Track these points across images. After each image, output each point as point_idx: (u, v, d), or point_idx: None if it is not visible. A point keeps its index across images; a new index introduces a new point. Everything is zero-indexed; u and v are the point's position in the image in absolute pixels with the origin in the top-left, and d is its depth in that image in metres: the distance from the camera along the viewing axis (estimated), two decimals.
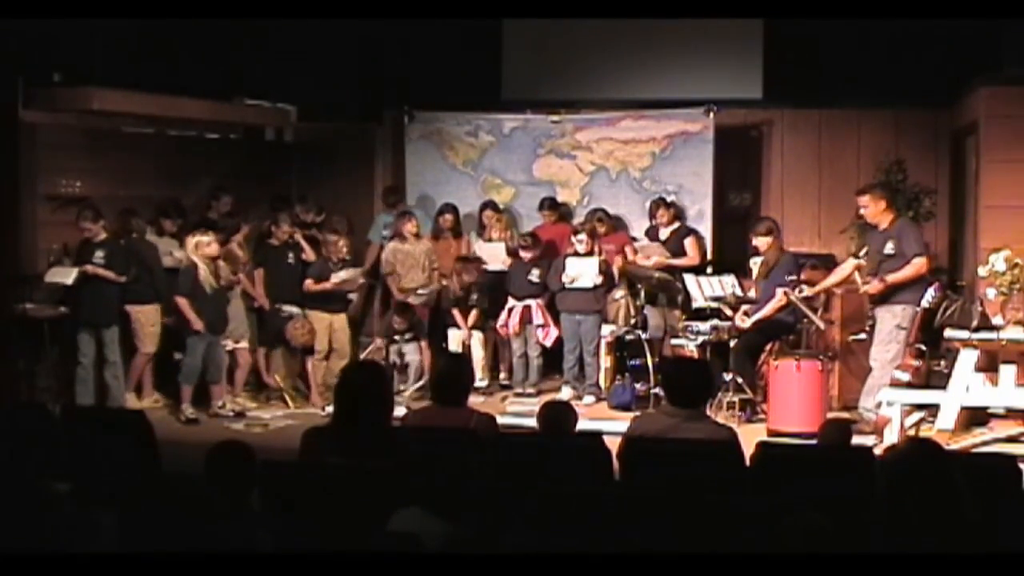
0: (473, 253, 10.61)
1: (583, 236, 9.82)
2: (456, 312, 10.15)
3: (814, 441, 6.58)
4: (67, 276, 8.93)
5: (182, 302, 8.92)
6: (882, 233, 8.52)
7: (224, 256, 9.24)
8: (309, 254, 10.10)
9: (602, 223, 10.39)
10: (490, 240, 10.61)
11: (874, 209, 8.54)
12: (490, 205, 10.89)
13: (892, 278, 8.32)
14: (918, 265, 8.28)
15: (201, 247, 8.96)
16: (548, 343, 10.06)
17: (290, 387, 9.82)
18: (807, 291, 8.74)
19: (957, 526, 3.51)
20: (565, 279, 9.74)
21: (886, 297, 8.37)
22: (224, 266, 9.16)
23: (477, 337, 10.18)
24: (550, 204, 10.88)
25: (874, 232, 8.67)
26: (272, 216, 10.28)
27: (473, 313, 10.15)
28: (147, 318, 9.21)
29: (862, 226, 9.80)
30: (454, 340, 10.17)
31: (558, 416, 5.82)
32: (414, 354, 9.89)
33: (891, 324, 8.29)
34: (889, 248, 8.42)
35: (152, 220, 9.88)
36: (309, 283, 9.73)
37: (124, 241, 9.23)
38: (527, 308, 10.03)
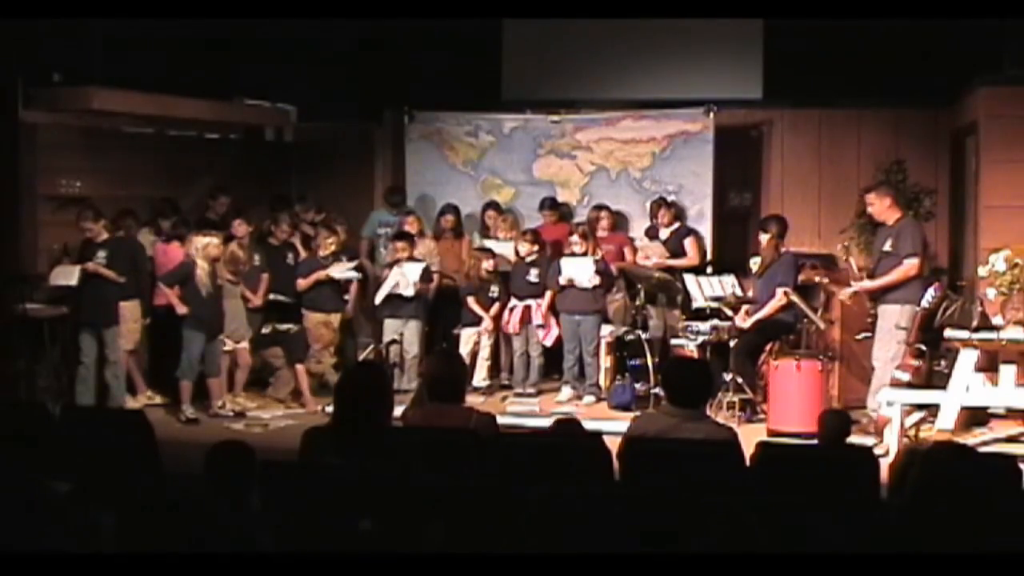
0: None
1: (577, 238, 9.83)
2: (474, 302, 10.14)
3: (814, 441, 6.58)
4: (71, 276, 8.94)
5: (168, 290, 8.95)
6: (885, 230, 8.57)
7: (226, 257, 9.25)
8: (303, 253, 10.12)
9: (608, 215, 10.40)
10: (496, 239, 10.59)
11: (879, 206, 8.56)
12: (493, 206, 10.91)
13: (881, 281, 8.37)
14: (908, 266, 8.27)
15: (206, 248, 8.96)
16: (549, 343, 10.05)
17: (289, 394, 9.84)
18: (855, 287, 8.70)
19: (962, 526, 3.50)
20: (562, 280, 9.74)
21: (885, 296, 8.38)
22: (221, 267, 9.16)
23: (487, 337, 10.17)
24: (551, 204, 10.89)
25: (880, 228, 8.70)
26: (272, 216, 10.29)
27: (496, 306, 10.15)
28: (129, 314, 9.21)
29: (862, 226, 9.81)
30: (466, 339, 10.15)
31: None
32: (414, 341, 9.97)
33: (889, 323, 8.30)
34: (887, 246, 8.45)
35: (150, 221, 9.89)
36: (300, 282, 9.77)
37: (117, 238, 9.22)
38: (527, 308, 10.03)
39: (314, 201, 11.00)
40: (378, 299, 10.07)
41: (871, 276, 8.54)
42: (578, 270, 9.69)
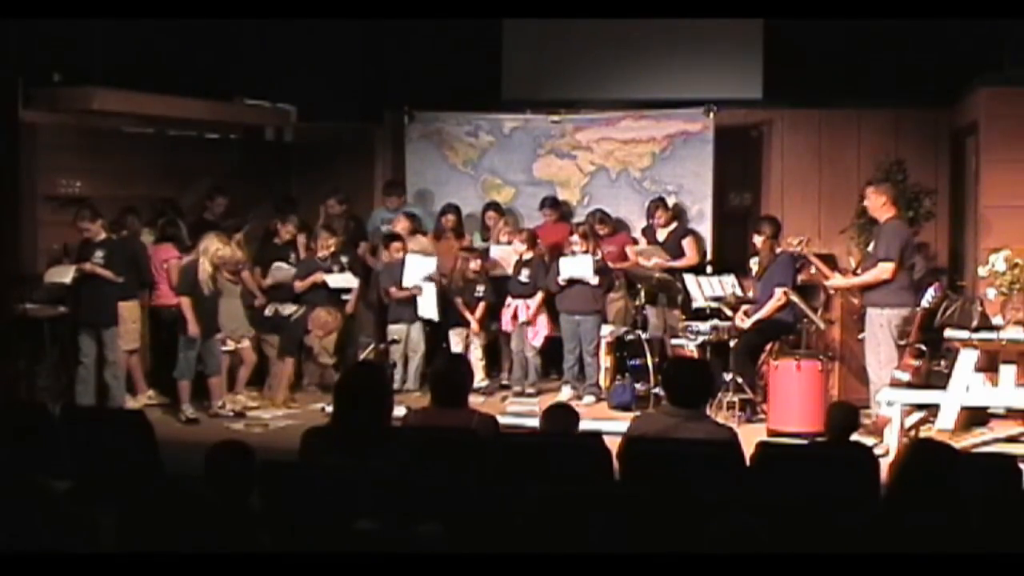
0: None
1: (577, 238, 9.83)
2: (460, 304, 10.14)
3: (814, 440, 6.59)
4: (65, 275, 8.95)
5: (185, 302, 8.92)
6: (876, 229, 8.59)
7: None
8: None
9: (603, 224, 10.38)
10: (498, 242, 10.59)
11: (874, 202, 8.56)
12: (493, 207, 10.91)
13: (852, 281, 8.47)
14: (880, 270, 8.24)
15: (217, 252, 8.94)
16: (537, 343, 10.04)
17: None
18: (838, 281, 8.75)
19: (959, 526, 3.51)
20: (561, 280, 9.74)
21: (867, 299, 8.38)
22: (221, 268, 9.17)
23: (476, 338, 10.18)
24: (551, 203, 10.88)
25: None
26: (280, 216, 10.31)
27: (481, 306, 10.15)
28: (129, 314, 9.20)
29: (862, 225, 9.80)
30: (455, 340, 10.16)
31: (561, 419, 5.81)
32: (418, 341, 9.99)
33: (874, 326, 8.29)
34: (871, 246, 8.48)
35: (150, 221, 9.87)
36: (297, 284, 9.78)
37: (117, 238, 9.21)
38: (518, 307, 10.03)
39: (346, 196, 10.99)
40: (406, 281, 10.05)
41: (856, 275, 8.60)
42: (578, 267, 9.69)
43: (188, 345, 8.96)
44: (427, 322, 10.29)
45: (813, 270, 9.06)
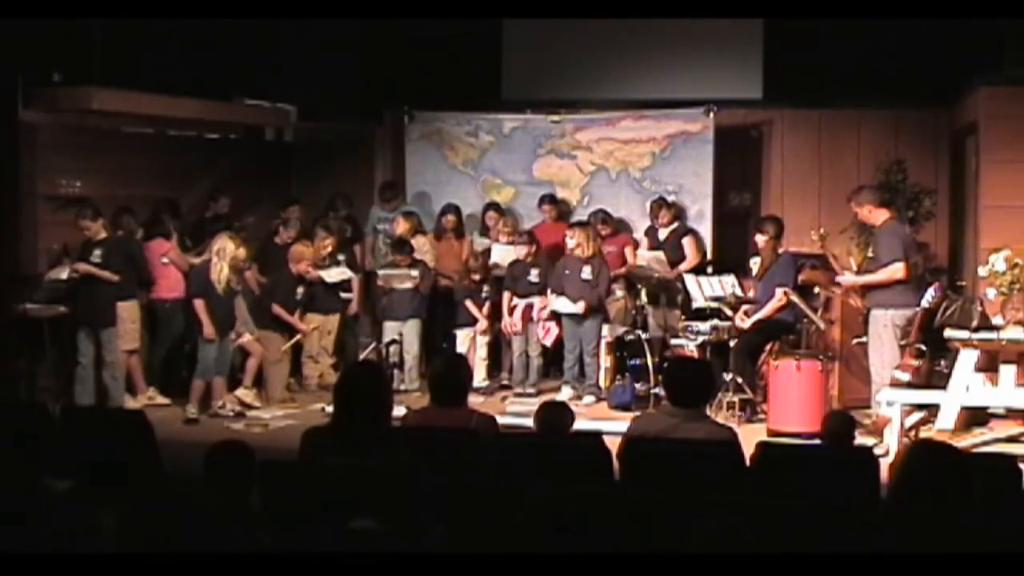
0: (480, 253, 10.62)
1: (570, 232, 9.84)
2: (470, 304, 10.15)
3: (814, 441, 6.59)
4: (61, 272, 8.97)
5: (199, 304, 8.92)
6: (872, 234, 8.59)
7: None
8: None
9: (605, 224, 10.39)
10: (497, 242, 10.60)
11: (862, 213, 8.62)
12: (493, 207, 10.91)
13: (864, 278, 8.42)
14: (892, 270, 8.22)
15: (228, 252, 8.94)
16: (548, 342, 10.06)
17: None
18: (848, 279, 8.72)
19: (959, 526, 3.51)
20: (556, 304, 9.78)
21: (872, 299, 8.38)
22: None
23: (483, 337, 10.19)
24: (550, 199, 10.89)
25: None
26: (283, 218, 10.31)
27: (487, 305, 10.17)
28: (127, 314, 9.20)
29: (862, 225, 9.80)
30: (462, 340, 10.16)
31: (555, 416, 5.82)
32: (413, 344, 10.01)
33: (877, 326, 8.29)
34: (871, 251, 8.49)
35: (145, 221, 9.87)
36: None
37: (115, 237, 9.21)
38: (529, 307, 10.04)
39: (344, 203, 10.96)
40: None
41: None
42: (563, 306, 9.70)
43: (207, 348, 8.95)
44: (426, 321, 10.30)
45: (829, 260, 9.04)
